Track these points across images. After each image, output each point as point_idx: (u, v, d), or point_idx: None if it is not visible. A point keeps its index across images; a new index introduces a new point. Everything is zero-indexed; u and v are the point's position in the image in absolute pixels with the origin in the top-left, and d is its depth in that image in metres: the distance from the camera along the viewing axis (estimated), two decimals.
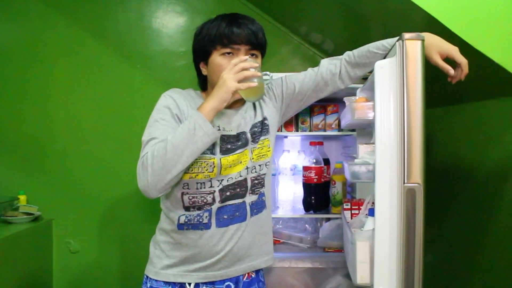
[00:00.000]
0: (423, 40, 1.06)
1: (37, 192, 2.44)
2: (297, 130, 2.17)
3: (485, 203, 1.50)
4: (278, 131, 1.87)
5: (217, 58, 1.28)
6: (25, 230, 2.21)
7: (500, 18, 1.24)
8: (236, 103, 1.36)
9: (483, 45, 1.24)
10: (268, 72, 1.26)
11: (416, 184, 1.04)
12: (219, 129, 1.31)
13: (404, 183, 1.04)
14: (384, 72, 1.10)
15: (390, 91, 1.08)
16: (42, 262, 2.39)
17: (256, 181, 1.36)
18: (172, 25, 2.49)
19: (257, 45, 1.30)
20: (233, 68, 1.19)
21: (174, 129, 1.22)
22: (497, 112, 1.46)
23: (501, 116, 1.43)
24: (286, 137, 2.39)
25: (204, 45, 1.30)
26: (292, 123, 2.15)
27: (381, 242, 1.08)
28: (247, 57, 1.23)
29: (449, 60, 1.20)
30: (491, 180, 1.47)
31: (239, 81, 1.18)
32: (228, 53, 1.27)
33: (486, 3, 1.25)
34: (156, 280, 1.32)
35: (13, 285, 2.07)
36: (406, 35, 1.06)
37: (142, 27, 2.48)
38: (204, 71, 1.35)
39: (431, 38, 1.19)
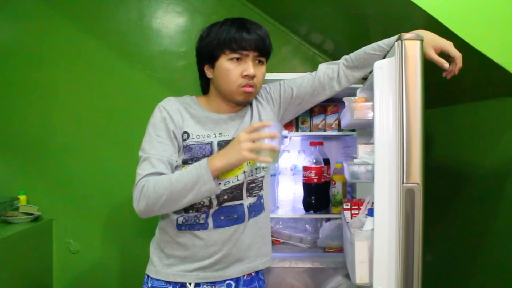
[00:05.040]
0: (422, 40, 1.06)
1: (37, 192, 2.44)
2: (297, 130, 2.17)
3: (486, 203, 1.50)
4: None
5: (224, 62, 1.28)
6: (25, 230, 2.21)
7: (500, 18, 1.24)
8: (234, 108, 1.37)
9: (483, 45, 1.24)
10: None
11: (415, 184, 1.03)
12: (215, 136, 1.31)
13: (403, 183, 1.04)
14: (383, 72, 1.09)
15: (389, 91, 1.09)
16: (42, 262, 2.39)
17: (253, 184, 1.36)
18: (172, 25, 2.48)
19: (265, 52, 1.31)
20: (253, 135, 1.15)
21: (170, 147, 1.25)
22: (497, 112, 1.46)
23: (501, 116, 1.43)
24: (286, 137, 2.39)
25: (212, 48, 1.29)
26: (292, 123, 2.15)
27: (380, 242, 1.08)
28: (270, 122, 1.18)
29: (444, 56, 1.20)
30: (492, 180, 1.47)
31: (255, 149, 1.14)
32: (237, 58, 1.27)
33: (486, 3, 1.25)
34: (157, 280, 1.32)
35: (13, 285, 2.07)
36: (405, 35, 1.06)
37: (142, 27, 2.48)
38: (209, 74, 1.34)
39: (425, 34, 1.19)
